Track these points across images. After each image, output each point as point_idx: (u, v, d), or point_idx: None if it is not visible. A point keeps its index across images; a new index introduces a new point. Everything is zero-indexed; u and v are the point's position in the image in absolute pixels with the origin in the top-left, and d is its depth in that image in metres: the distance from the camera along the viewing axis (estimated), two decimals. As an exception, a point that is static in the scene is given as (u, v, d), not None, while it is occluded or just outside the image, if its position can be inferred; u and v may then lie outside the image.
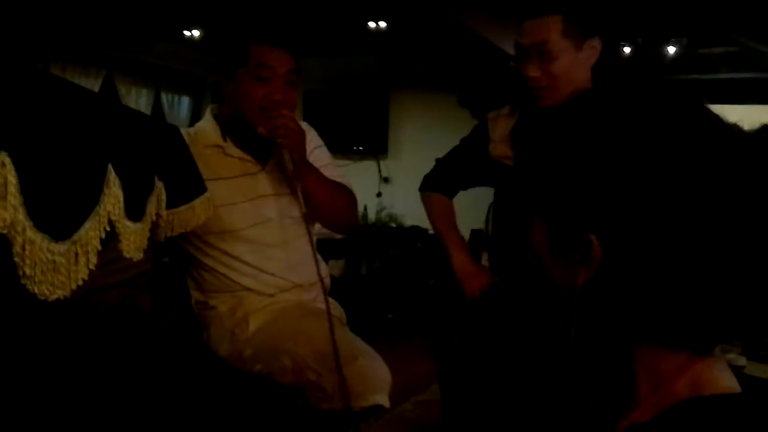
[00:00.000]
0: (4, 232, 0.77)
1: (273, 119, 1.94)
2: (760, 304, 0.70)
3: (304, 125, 2.16)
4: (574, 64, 1.90)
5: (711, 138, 0.72)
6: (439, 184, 2.29)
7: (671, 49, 5.58)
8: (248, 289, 2.08)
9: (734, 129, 0.74)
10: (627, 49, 5.60)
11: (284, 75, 1.99)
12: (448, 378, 2.23)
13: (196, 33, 5.84)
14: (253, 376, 2.00)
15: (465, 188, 2.29)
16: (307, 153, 2.09)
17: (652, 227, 0.70)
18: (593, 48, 1.92)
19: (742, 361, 2.81)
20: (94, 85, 6.10)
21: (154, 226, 1.46)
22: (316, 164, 2.12)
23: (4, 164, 0.73)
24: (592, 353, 0.80)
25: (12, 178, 0.75)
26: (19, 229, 0.78)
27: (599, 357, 0.80)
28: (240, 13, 4.91)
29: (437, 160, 2.31)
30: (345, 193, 2.17)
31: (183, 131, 2.14)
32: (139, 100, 6.64)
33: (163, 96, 6.91)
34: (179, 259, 2.14)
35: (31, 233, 0.81)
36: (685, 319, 0.72)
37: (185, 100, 7.13)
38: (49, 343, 1.63)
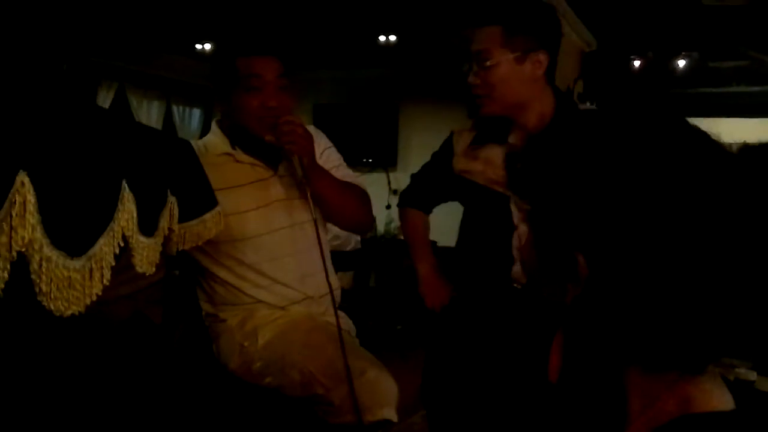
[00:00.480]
0: (23, 250, 0.78)
1: (279, 126, 1.96)
2: (744, 324, 0.71)
3: (312, 129, 2.18)
4: (513, 76, 1.89)
5: (693, 159, 0.73)
6: (413, 199, 2.30)
7: (682, 63, 5.59)
8: (259, 301, 2.08)
9: (718, 148, 0.74)
10: (637, 63, 5.61)
11: (274, 81, 2.01)
12: (427, 389, 2.23)
13: (207, 46, 5.89)
14: (263, 389, 2.00)
15: (437, 203, 2.30)
16: (317, 155, 2.10)
17: (634, 247, 0.71)
18: (538, 62, 1.90)
19: (752, 375, 2.79)
20: (106, 97, 6.16)
21: (166, 240, 1.47)
22: (327, 165, 2.13)
23: (23, 184, 0.75)
24: (583, 372, 0.81)
25: (31, 198, 0.76)
26: (36, 246, 0.79)
27: (590, 376, 0.81)
28: (228, 29, 4.95)
29: (412, 175, 2.33)
30: (358, 193, 2.18)
31: (193, 144, 2.17)
32: (150, 112, 6.69)
33: (175, 108, 6.96)
34: (190, 272, 2.15)
35: (48, 250, 0.82)
36: (669, 341, 0.72)
37: (196, 112, 7.18)
38: (61, 357, 1.64)
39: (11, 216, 0.74)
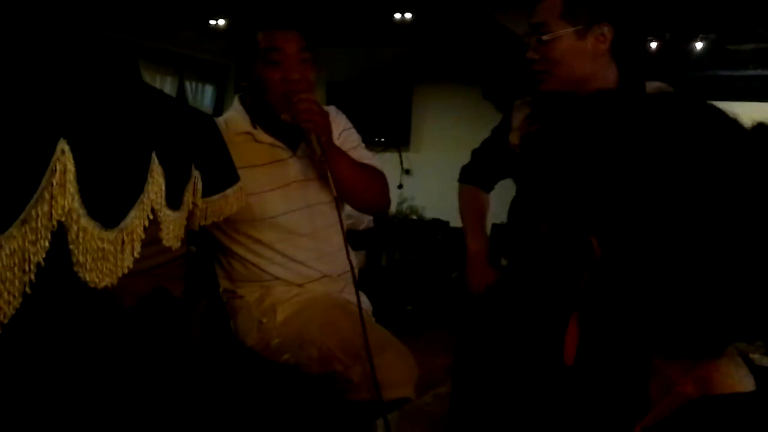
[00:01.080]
0: (62, 219, 0.77)
1: (295, 104, 1.93)
2: (760, 307, 0.70)
3: (332, 109, 2.17)
4: (574, 51, 1.80)
5: (709, 139, 0.71)
6: (472, 176, 2.25)
7: (699, 45, 5.52)
8: (277, 278, 2.08)
9: (736, 128, 0.73)
10: (654, 45, 5.55)
11: (296, 54, 1.98)
12: (459, 370, 2.21)
13: (221, 22, 5.86)
14: (280, 366, 2.00)
15: (497, 180, 2.24)
16: (336, 135, 2.09)
17: (648, 230, 0.70)
18: (602, 35, 1.79)
19: (766, 361, 2.78)
20: (119, 72, 6.12)
21: (190, 215, 1.47)
22: (345, 146, 2.11)
23: (63, 152, 0.74)
24: (602, 356, 0.80)
25: (71, 166, 0.75)
26: (74, 216, 0.79)
27: (610, 360, 0.80)
28: (241, 4, 4.90)
29: (473, 151, 2.27)
30: (375, 175, 2.17)
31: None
32: (163, 88, 6.66)
33: (187, 84, 6.92)
34: (208, 248, 2.15)
35: (85, 221, 0.81)
36: (683, 326, 0.71)
37: (209, 89, 7.14)
38: (81, 332, 1.64)
39: (52, 185, 0.73)
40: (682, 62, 5.70)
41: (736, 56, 5.75)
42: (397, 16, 5.35)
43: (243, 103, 2.14)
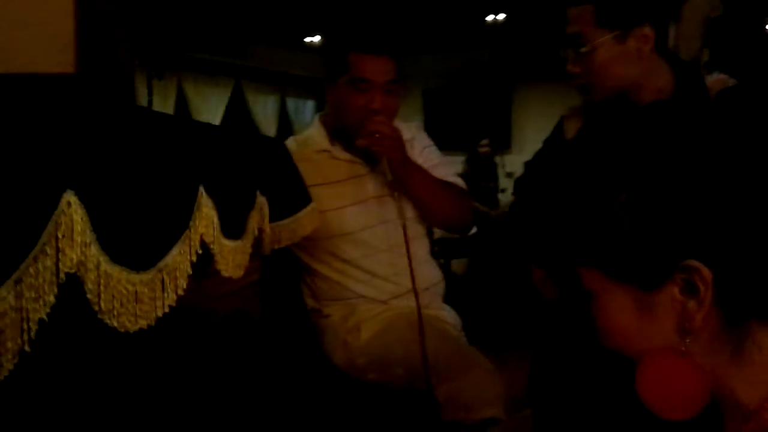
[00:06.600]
0: (74, 271, 0.78)
1: (366, 126, 1.94)
2: None
3: (413, 126, 2.16)
4: (616, 58, 1.67)
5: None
6: (527, 189, 2.18)
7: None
8: (361, 296, 2.08)
9: None
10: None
11: (383, 84, 1.98)
12: (536, 392, 2.10)
13: (316, 39, 6.00)
14: (367, 385, 1.99)
15: None
16: (416, 153, 2.08)
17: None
18: (644, 36, 1.66)
19: None
20: (223, 94, 6.39)
21: (258, 241, 1.48)
22: (426, 164, 2.10)
23: (70, 204, 0.74)
24: None
25: (78, 218, 0.75)
26: (90, 265, 0.79)
27: None
28: (341, 17, 4.96)
29: (525, 163, 2.20)
30: (455, 193, 2.13)
31: (292, 139, 2.20)
32: (266, 106, 6.89)
33: (289, 101, 7.12)
34: (291, 268, 2.17)
35: (107, 267, 0.81)
36: None
37: (310, 104, 7.32)
38: (166, 351, 1.68)
39: (57, 238, 0.73)
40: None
41: None
42: (489, 17, 5.28)
43: (323, 120, 2.15)
